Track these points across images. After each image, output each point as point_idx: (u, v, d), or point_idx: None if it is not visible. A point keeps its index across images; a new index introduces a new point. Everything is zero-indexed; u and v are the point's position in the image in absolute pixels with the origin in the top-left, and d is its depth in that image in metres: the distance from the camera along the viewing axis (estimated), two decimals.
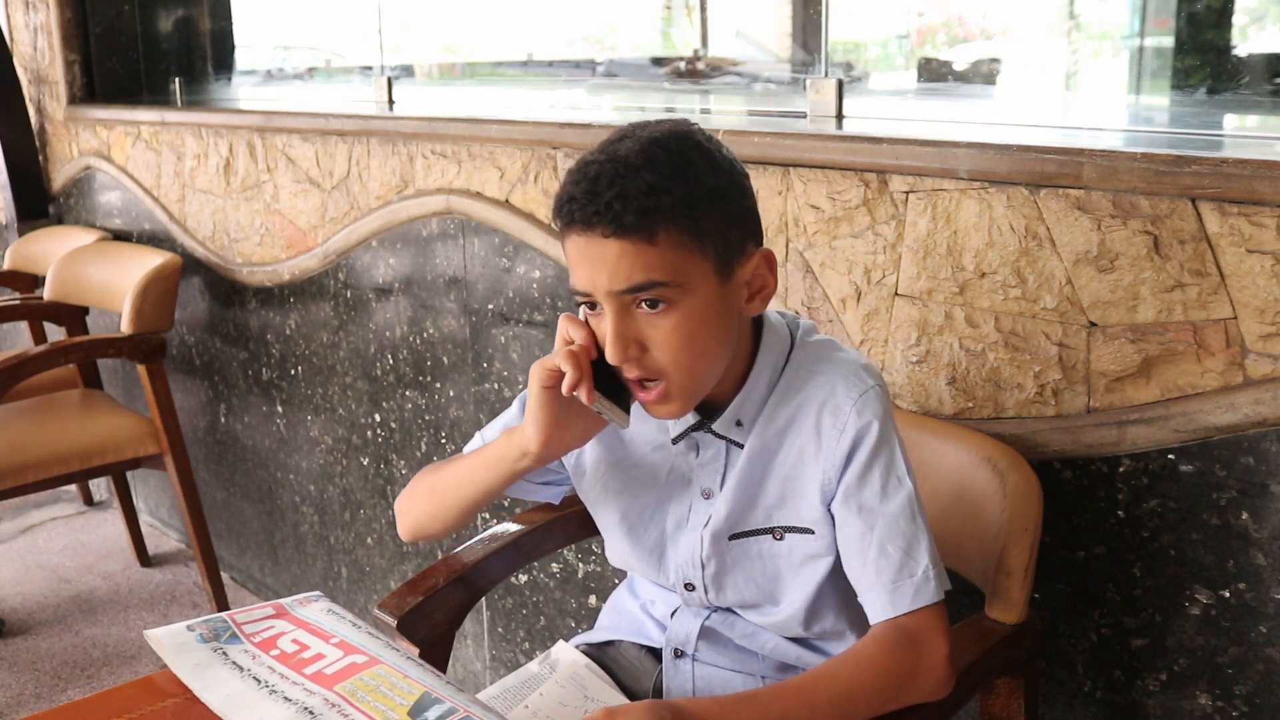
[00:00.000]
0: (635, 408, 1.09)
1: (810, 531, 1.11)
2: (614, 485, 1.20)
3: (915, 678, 1.03)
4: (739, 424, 1.11)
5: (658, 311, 1.01)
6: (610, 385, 1.05)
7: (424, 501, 1.25)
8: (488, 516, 2.18)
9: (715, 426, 1.11)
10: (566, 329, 1.06)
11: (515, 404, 1.26)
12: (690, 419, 1.13)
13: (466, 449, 1.28)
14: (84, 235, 3.10)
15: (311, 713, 0.87)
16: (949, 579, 1.10)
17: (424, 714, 0.86)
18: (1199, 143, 1.28)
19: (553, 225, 1.04)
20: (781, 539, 1.13)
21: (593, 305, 1.03)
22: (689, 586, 1.18)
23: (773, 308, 1.16)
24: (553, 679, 1.25)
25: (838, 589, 1.12)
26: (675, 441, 1.15)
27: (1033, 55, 1.81)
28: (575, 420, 1.09)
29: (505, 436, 1.15)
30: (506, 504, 2.10)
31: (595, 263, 1.00)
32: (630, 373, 1.03)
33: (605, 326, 1.02)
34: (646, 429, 1.18)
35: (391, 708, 0.87)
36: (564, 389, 1.04)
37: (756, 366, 1.10)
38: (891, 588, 1.04)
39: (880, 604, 1.05)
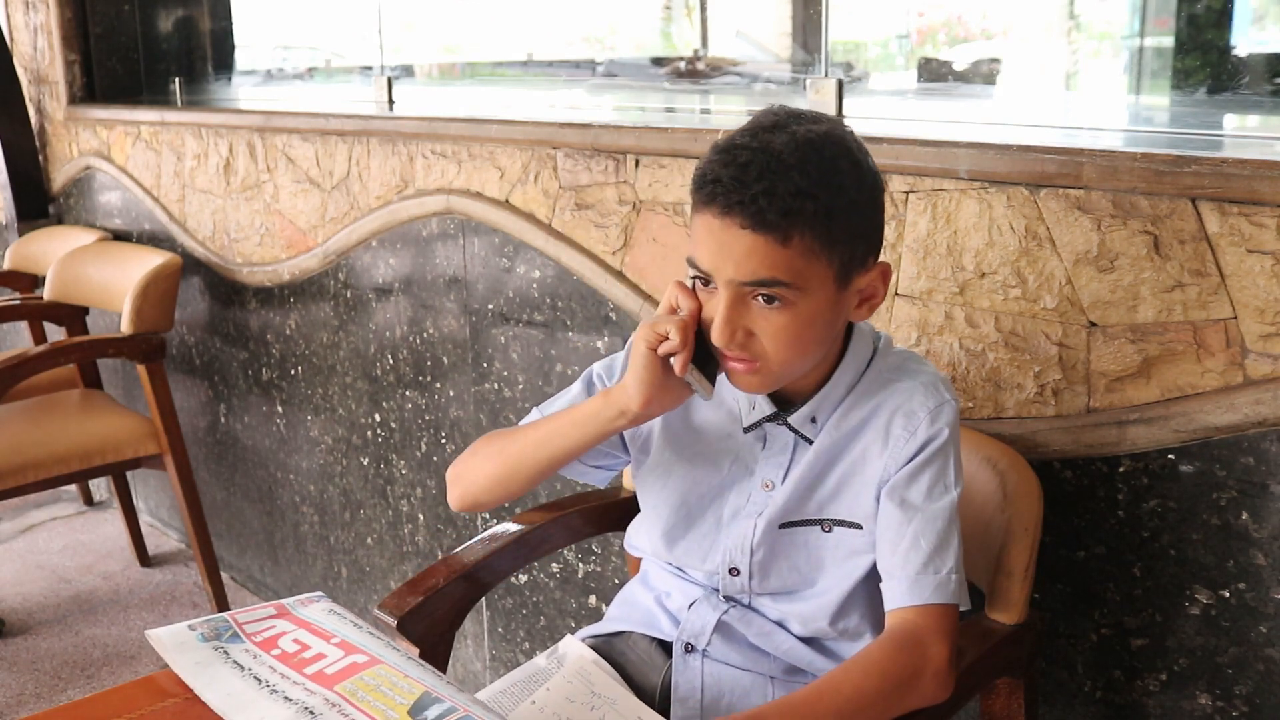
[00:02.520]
0: (720, 380, 1.11)
1: (859, 527, 1.13)
2: (677, 469, 1.22)
3: (917, 680, 1.04)
4: (813, 420, 1.14)
5: (773, 307, 1.03)
6: (702, 356, 1.08)
7: (491, 464, 1.24)
8: (488, 517, 2.18)
9: (791, 420, 1.14)
10: (675, 295, 1.08)
11: (578, 384, 1.27)
12: (766, 409, 1.15)
13: (525, 423, 1.28)
14: (84, 235, 3.10)
15: (312, 712, 0.87)
16: (969, 599, 1.11)
17: (424, 713, 0.86)
18: (1199, 143, 1.28)
19: (690, 195, 1.05)
20: (829, 531, 1.15)
21: (706, 281, 1.05)
22: (734, 571, 1.19)
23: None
24: (560, 674, 1.25)
25: (870, 590, 1.13)
26: (747, 431, 1.17)
27: (1033, 55, 1.81)
28: (675, 384, 1.11)
29: (602, 396, 1.16)
30: (507, 505, 2.11)
31: (724, 248, 1.01)
32: (732, 352, 1.06)
33: (717, 307, 1.04)
34: (715, 416, 1.20)
35: (391, 707, 0.87)
36: (660, 351, 1.07)
37: (840, 369, 1.13)
38: (915, 578, 1.06)
39: (900, 590, 1.07)
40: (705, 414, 1.21)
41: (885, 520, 1.10)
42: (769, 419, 1.15)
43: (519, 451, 1.22)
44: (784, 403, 1.15)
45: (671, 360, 1.07)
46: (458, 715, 0.85)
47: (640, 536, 1.30)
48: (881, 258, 1.43)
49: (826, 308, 1.05)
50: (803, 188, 0.98)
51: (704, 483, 1.21)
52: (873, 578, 1.13)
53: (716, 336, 1.04)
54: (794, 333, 1.04)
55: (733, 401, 1.18)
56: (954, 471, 1.10)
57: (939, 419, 1.09)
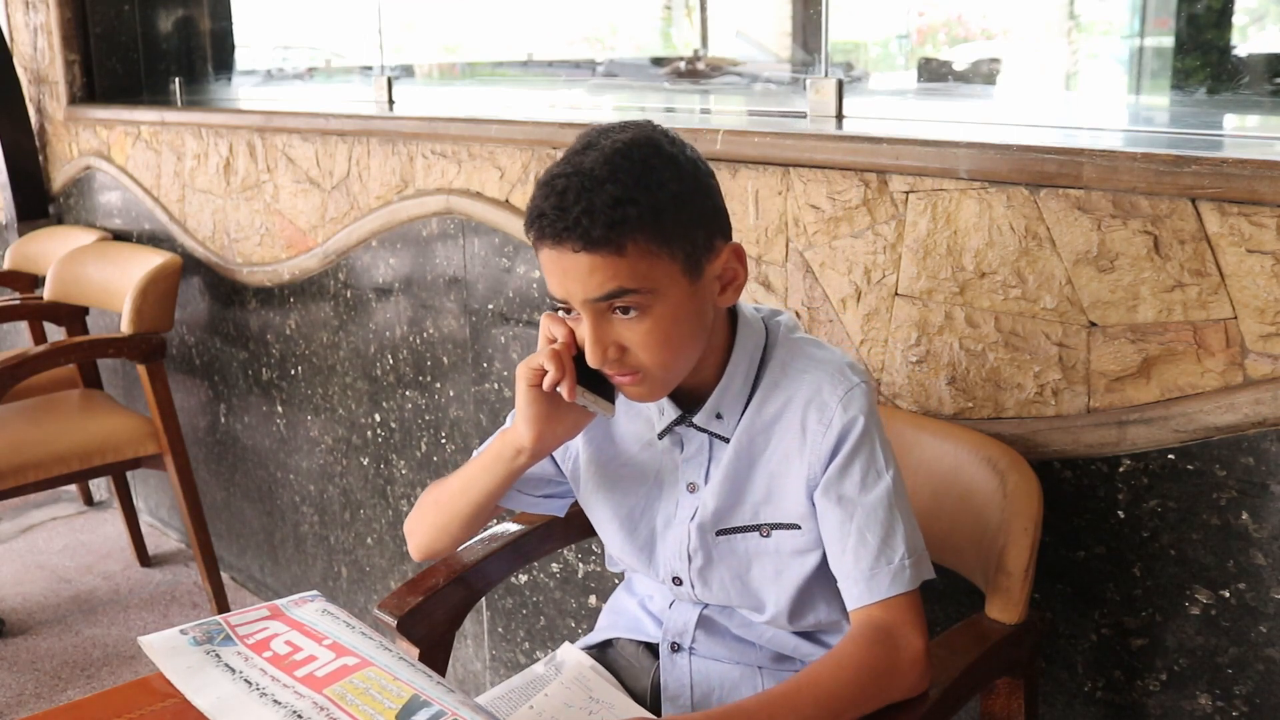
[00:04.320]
0: (621, 399, 1.12)
1: (797, 527, 1.13)
2: (605, 484, 1.22)
3: (894, 673, 1.04)
4: (719, 416, 1.13)
5: (632, 317, 1.03)
6: (594, 377, 1.08)
7: (430, 515, 1.26)
8: None
9: (696, 420, 1.14)
10: (549, 327, 1.09)
11: (510, 417, 1.28)
12: (672, 414, 1.15)
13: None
14: (84, 235, 3.10)
15: (300, 716, 0.87)
16: (941, 572, 1.12)
17: (412, 717, 0.86)
18: (1199, 143, 1.28)
19: (526, 235, 1.07)
20: (768, 536, 1.14)
21: (570, 309, 1.06)
22: (676, 580, 1.20)
23: (769, 305, 1.19)
24: (558, 680, 1.26)
25: (828, 582, 1.13)
26: (661, 437, 1.17)
27: (1033, 55, 1.81)
28: (565, 413, 1.13)
29: (499, 436, 1.18)
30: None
31: (568, 274, 1.02)
32: (610, 370, 1.07)
33: (583, 331, 1.05)
34: (634, 427, 1.20)
35: (380, 711, 0.87)
36: (545, 386, 1.08)
37: (733, 359, 1.13)
38: (869, 574, 1.06)
39: (858, 591, 1.07)
40: (625, 427, 1.21)
41: (826, 520, 1.10)
42: (677, 422, 1.15)
43: (448, 500, 1.24)
44: (691, 403, 1.15)
45: (559, 389, 1.08)
46: (446, 719, 0.85)
47: (610, 553, 1.30)
48: (881, 258, 1.43)
49: (686, 301, 1.05)
50: (620, 196, 0.99)
51: (634, 494, 1.21)
52: (824, 572, 1.12)
53: (589, 358, 1.05)
54: (661, 336, 1.04)
55: (648, 410, 1.18)
56: (882, 455, 1.09)
57: (851, 405, 1.08)
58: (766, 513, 1.14)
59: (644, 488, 1.20)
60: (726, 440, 1.14)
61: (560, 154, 1.06)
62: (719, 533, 1.15)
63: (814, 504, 1.11)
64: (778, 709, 0.99)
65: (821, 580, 1.14)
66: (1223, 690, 1.22)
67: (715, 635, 1.21)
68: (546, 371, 1.08)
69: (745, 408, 1.13)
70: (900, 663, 1.04)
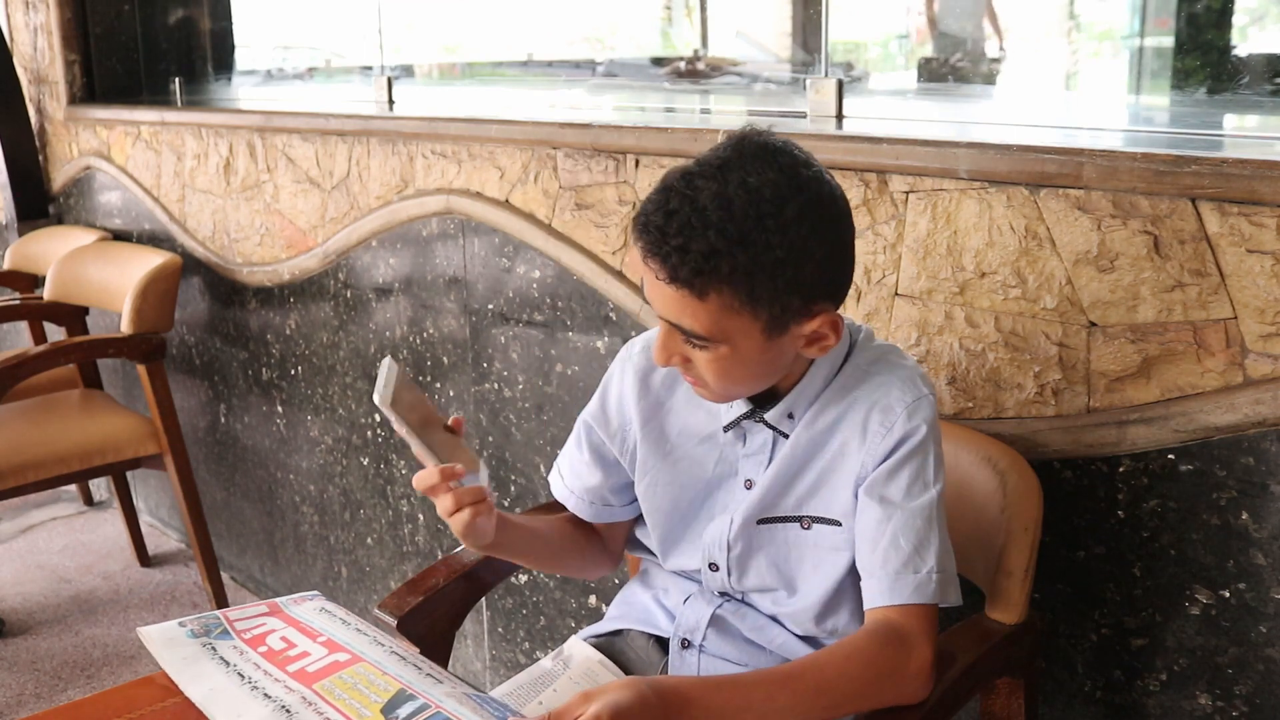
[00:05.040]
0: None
1: (838, 524, 1.13)
2: (663, 478, 1.23)
3: (898, 676, 1.04)
4: (790, 416, 1.14)
5: (698, 346, 1.04)
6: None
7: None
8: None
9: (768, 417, 1.14)
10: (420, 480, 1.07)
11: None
12: (742, 407, 1.16)
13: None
14: (84, 235, 3.11)
15: (288, 710, 0.88)
16: (960, 594, 1.10)
17: (396, 711, 0.86)
18: (1199, 143, 1.28)
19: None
20: (809, 528, 1.15)
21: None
22: (713, 566, 1.20)
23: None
24: (566, 675, 1.25)
25: (856, 589, 1.13)
26: (726, 429, 1.17)
27: (1033, 55, 1.81)
28: (482, 523, 1.10)
29: None
30: (506, 503, 2.10)
31: (652, 287, 1.04)
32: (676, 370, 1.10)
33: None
34: (695, 420, 1.20)
35: (365, 704, 0.88)
36: (446, 513, 1.07)
37: (814, 367, 1.13)
38: (894, 577, 1.06)
39: (880, 590, 1.07)
40: (685, 418, 1.21)
41: (864, 518, 1.10)
42: (746, 416, 1.16)
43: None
44: (763, 398, 1.15)
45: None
46: (429, 713, 0.86)
47: (644, 539, 1.30)
48: (881, 257, 1.43)
49: (758, 352, 1.04)
50: (717, 248, 0.96)
51: (692, 487, 1.21)
52: (855, 576, 1.13)
53: (655, 358, 1.08)
54: (724, 370, 1.05)
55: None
56: (934, 468, 1.09)
57: (916, 414, 1.09)
58: (811, 505, 1.14)
59: (701, 481, 1.21)
60: (788, 436, 1.14)
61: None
62: (760, 521, 1.16)
63: (858, 500, 1.11)
64: (776, 687, 0.99)
65: (852, 584, 1.14)
66: (1223, 690, 1.22)
67: (726, 635, 1.21)
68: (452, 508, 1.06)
69: (812, 405, 1.14)
70: (907, 667, 1.04)
